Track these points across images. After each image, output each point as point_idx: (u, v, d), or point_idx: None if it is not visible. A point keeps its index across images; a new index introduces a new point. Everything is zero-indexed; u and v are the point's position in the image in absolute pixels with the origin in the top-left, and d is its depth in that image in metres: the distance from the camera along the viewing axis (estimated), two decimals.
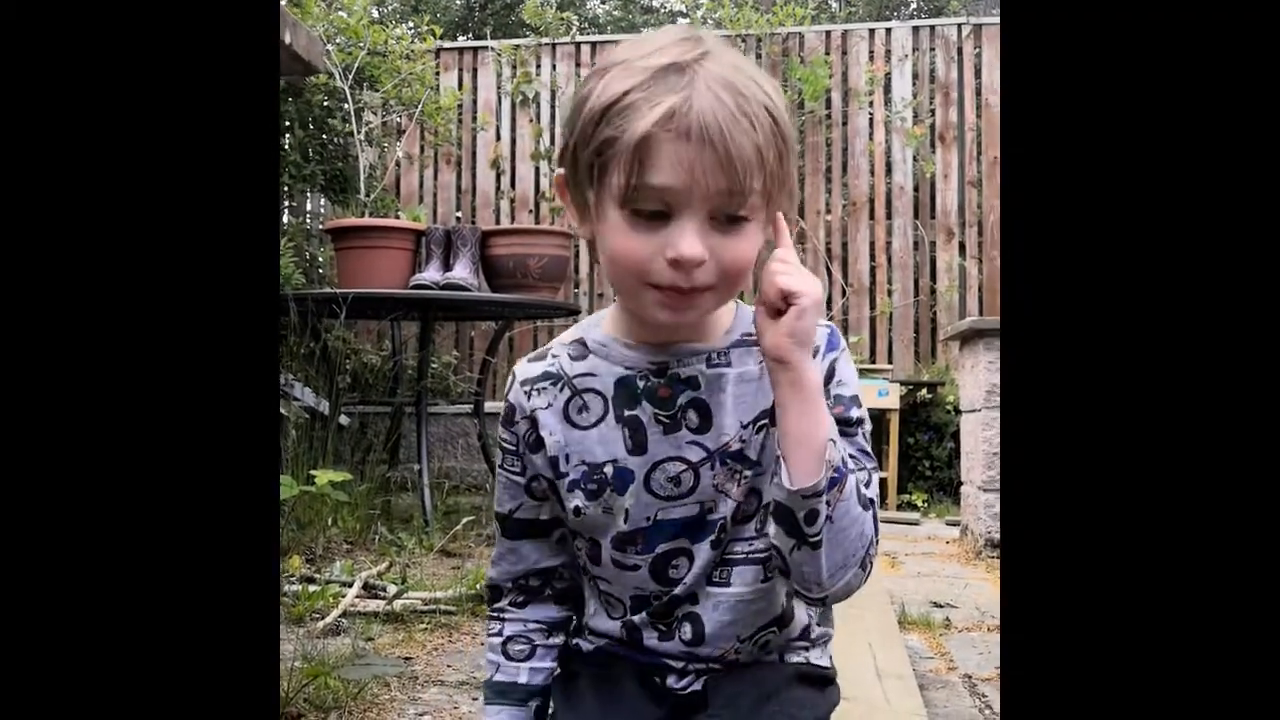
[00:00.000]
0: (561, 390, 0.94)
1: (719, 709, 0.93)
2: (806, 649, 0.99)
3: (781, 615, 0.95)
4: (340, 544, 3.11)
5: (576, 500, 0.93)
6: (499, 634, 1.02)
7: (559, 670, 1.03)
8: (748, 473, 0.91)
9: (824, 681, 0.99)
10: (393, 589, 2.43)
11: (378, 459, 4.02)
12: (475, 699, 1.79)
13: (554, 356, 0.96)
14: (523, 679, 1.01)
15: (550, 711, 1.01)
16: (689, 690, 0.95)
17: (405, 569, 2.72)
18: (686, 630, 0.93)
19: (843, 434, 0.89)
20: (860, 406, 0.94)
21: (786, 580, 0.91)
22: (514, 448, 0.96)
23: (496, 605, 1.03)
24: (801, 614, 0.98)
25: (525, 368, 0.97)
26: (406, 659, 2.03)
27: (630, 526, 0.91)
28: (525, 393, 0.95)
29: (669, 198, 0.80)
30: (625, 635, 0.96)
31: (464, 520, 3.25)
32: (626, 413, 0.92)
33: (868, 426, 0.95)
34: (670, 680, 0.95)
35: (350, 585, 2.42)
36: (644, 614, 0.94)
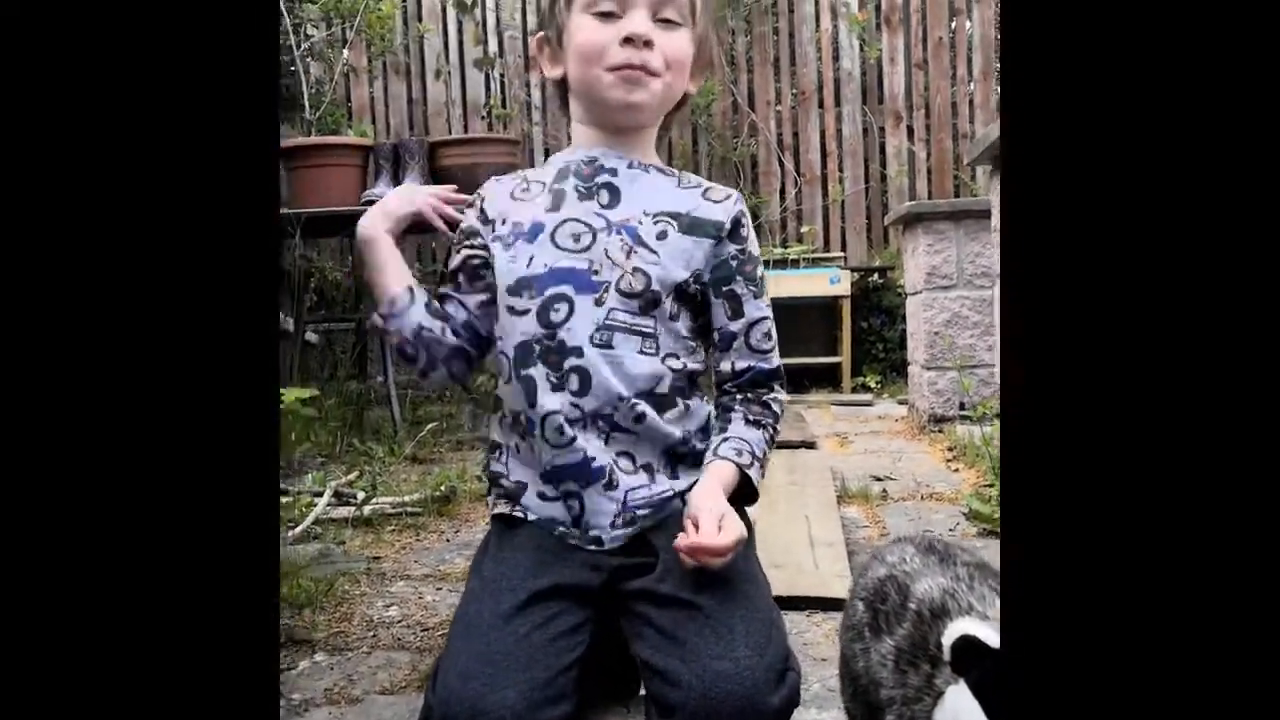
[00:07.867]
0: (515, 179, 1.23)
1: (661, 571, 1.05)
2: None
3: (660, 397, 1.13)
4: (314, 458, 3.23)
5: (496, 249, 1.16)
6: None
7: (498, 524, 1.17)
8: (639, 250, 1.12)
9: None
10: (363, 495, 2.56)
11: (346, 374, 4.11)
12: (440, 589, 1.94)
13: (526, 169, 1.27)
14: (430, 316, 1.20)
15: (485, 556, 1.14)
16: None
17: (376, 477, 2.84)
18: (574, 381, 1.10)
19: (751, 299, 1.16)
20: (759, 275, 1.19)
21: (677, 375, 1.14)
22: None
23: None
24: (690, 420, 1.16)
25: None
26: (375, 558, 2.17)
27: (528, 272, 1.13)
28: (492, 181, 1.24)
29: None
30: (524, 393, 1.11)
31: (429, 426, 3.38)
32: (555, 186, 1.17)
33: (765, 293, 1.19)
34: (579, 433, 1.10)
35: (322, 495, 2.54)
36: (538, 365, 1.11)
